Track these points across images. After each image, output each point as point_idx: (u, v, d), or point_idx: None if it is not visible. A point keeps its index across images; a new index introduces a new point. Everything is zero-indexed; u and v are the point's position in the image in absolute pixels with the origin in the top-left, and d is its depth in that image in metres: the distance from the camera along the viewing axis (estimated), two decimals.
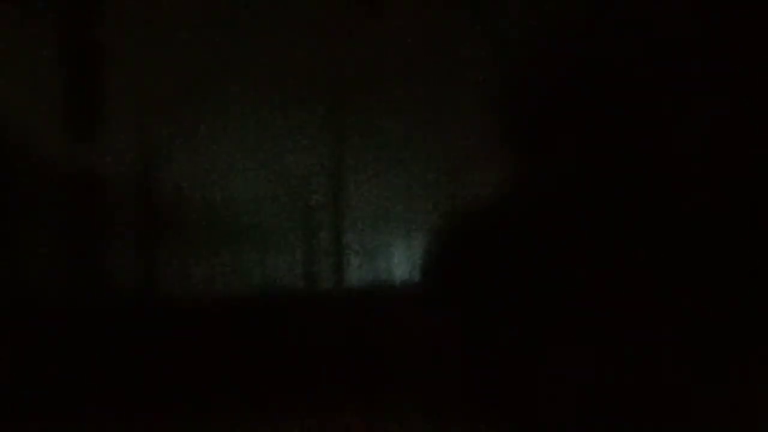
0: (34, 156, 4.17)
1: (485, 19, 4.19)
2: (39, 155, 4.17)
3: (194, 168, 4.34)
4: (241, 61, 4.28)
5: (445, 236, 4.36)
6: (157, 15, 4.16)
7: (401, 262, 4.45)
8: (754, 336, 3.78)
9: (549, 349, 3.99)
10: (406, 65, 4.28)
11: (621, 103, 4.07)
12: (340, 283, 4.42)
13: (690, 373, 3.81)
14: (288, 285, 4.37)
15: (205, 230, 4.39)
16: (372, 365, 4.12)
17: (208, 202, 4.36)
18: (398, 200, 4.43)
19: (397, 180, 4.42)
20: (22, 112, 4.13)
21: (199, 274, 4.36)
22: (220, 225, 4.41)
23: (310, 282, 4.42)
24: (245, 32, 4.24)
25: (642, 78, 4.05)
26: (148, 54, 4.21)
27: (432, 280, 4.36)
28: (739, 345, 3.80)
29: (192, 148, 4.32)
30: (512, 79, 4.21)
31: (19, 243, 4.16)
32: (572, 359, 3.95)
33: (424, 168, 4.39)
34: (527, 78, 4.21)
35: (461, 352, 4.11)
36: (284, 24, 4.24)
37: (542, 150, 4.25)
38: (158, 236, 4.34)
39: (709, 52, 3.94)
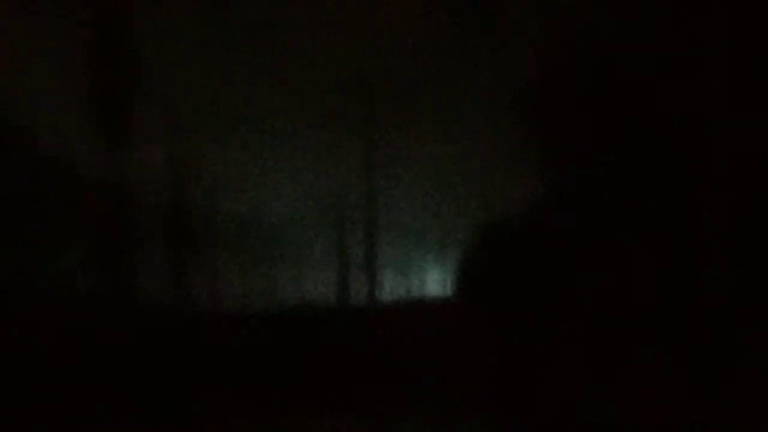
0: (65, 167, 4.18)
1: (518, 35, 4.22)
2: (69, 167, 4.18)
3: (227, 184, 4.36)
4: (274, 77, 4.30)
5: (477, 251, 4.36)
6: (188, 29, 4.19)
7: (434, 276, 4.46)
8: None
9: (582, 363, 3.99)
10: (439, 81, 4.31)
11: (656, 115, 4.09)
12: (372, 297, 4.43)
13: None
14: (321, 299, 4.38)
15: (238, 246, 4.41)
16: (404, 378, 4.12)
17: (241, 218, 4.38)
18: (430, 215, 4.45)
19: (429, 195, 4.44)
20: (53, 122, 4.15)
21: (232, 290, 4.37)
22: (253, 241, 4.42)
23: (344, 297, 4.43)
24: (278, 50, 4.27)
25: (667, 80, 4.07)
26: (179, 68, 4.24)
27: (464, 294, 4.37)
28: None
29: (224, 165, 4.34)
30: (544, 94, 4.24)
31: (47, 259, 4.18)
32: (604, 369, 3.94)
33: (456, 183, 4.41)
34: (559, 93, 4.23)
35: (496, 364, 4.11)
36: (317, 41, 4.27)
37: (573, 165, 4.27)
38: (191, 252, 4.36)
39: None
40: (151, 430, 3.96)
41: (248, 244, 4.47)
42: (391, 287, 4.51)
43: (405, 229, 4.51)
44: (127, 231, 4.29)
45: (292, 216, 4.47)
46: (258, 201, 4.42)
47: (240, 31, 4.28)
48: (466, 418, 3.98)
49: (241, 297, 4.40)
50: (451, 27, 4.31)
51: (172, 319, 4.29)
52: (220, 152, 4.37)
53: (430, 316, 4.39)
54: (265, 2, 4.29)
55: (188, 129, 4.34)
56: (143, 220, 4.31)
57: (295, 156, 4.41)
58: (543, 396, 4.00)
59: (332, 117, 4.37)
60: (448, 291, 4.45)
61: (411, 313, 4.43)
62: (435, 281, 4.50)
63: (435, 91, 4.36)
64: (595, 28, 4.19)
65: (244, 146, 4.37)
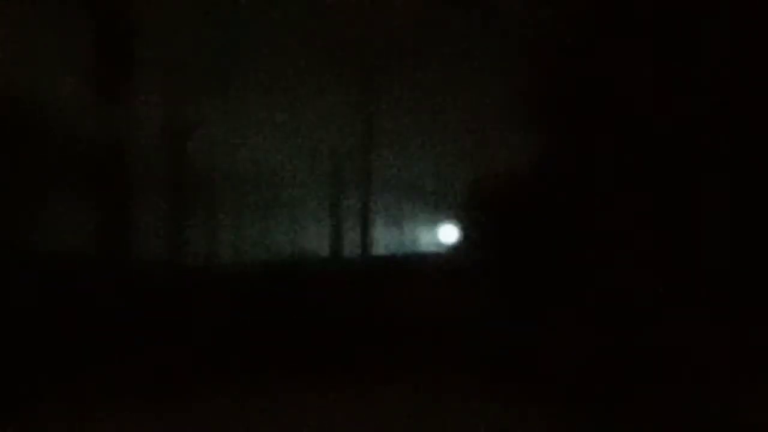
0: (66, 122, 4.21)
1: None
2: (70, 122, 4.21)
3: (224, 139, 4.39)
4: (272, 34, 4.32)
5: (472, 208, 4.39)
6: None
7: (427, 230, 4.49)
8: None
9: (575, 318, 4.00)
10: (435, 41, 4.32)
11: (640, 80, 4.09)
12: (367, 251, 4.45)
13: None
14: (315, 253, 4.41)
15: (233, 199, 4.44)
16: (397, 333, 4.14)
17: (238, 171, 4.41)
18: (424, 170, 4.47)
19: (424, 151, 4.46)
20: (56, 79, 4.17)
21: (227, 242, 4.40)
22: (250, 193, 4.45)
23: (337, 250, 4.46)
24: (277, 5, 4.27)
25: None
26: (178, 25, 4.25)
27: (457, 251, 4.39)
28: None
29: (222, 120, 4.37)
30: (539, 58, 4.24)
31: (48, 214, 4.21)
32: (597, 330, 3.95)
33: (450, 139, 4.43)
34: (554, 57, 4.24)
35: (488, 321, 4.13)
36: None
37: (566, 126, 4.28)
38: (187, 204, 4.40)
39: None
40: (148, 375, 3.98)
41: (245, 198, 4.50)
42: (384, 240, 4.55)
43: (399, 183, 4.54)
44: (127, 185, 4.32)
45: (289, 170, 4.50)
46: (254, 156, 4.45)
47: None
48: (458, 370, 3.98)
49: (238, 250, 4.44)
50: None
51: (171, 271, 4.33)
52: (217, 108, 4.39)
53: (423, 268, 4.42)
54: None
55: (187, 85, 4.36)
56: (142, 174, 4.33)
57: (292, 111, 4.43)
58: (537, 349, 4.00)
59: (329, 73, 4.39)
60: (442, 244, 4.48)
61: (404, 265, 4.46)
62: (428, 235, 4.53)
63: (430, 49, 4.38)
64: None
65: (241, 102, 4.39)
